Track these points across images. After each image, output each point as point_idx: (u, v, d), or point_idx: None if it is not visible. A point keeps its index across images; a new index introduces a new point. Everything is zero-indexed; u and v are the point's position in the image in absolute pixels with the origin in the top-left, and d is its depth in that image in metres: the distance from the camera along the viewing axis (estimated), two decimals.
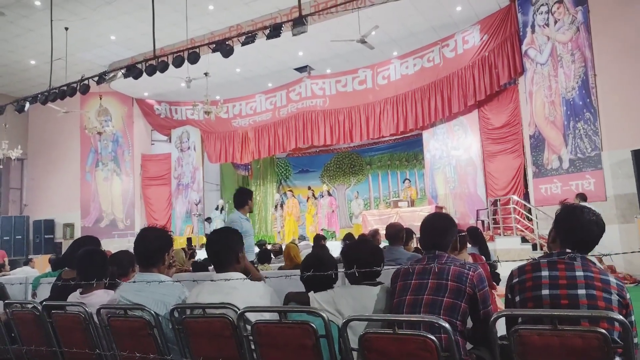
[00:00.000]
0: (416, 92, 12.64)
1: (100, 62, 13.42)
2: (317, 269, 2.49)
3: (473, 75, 11.54)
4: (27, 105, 11.07)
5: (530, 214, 10.33)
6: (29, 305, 2.97)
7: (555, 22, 9.83)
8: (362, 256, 2.54)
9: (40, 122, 15.99)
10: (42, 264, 11.92)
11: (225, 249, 2.52)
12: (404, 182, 13.90)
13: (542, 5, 10.07)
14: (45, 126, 15.91)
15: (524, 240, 10.23)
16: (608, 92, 8.97)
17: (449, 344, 1.83)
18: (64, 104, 12.14)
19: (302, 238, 12.38)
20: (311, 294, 2.49)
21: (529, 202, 10.58)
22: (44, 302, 2.95)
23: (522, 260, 2.06)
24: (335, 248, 7.74)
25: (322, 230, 13.94)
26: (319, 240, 7.99)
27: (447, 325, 1.82)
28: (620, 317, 1.62)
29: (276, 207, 15.67)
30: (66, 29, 11.30)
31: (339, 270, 2.65)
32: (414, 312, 2.18)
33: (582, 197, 9.19)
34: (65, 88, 10.21)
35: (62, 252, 11.36)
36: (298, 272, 2.73)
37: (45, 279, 4.50)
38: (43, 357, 2.93)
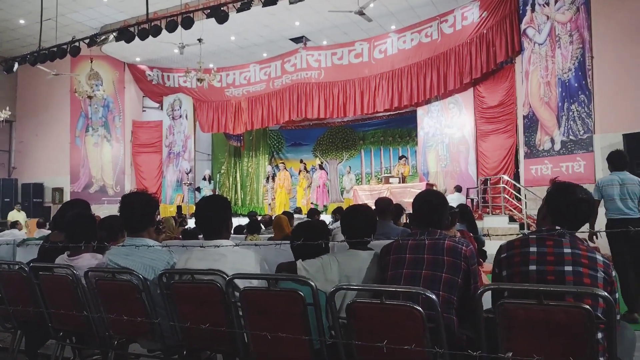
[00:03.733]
0: (412, 67, 12.53)
1: (92, 24, 13.07)
2: (309, 235, 2.47)
3: (470, 53, 11.44)
4: (16, 65, 10.85)
5: (520, 194, 10.41)
6: (16, 266, 2.95)
7: (556, 1, 9.70)
8: (356, 224, 2.56)
9: (30, 84, 15.66)
10: (30, 227, 11.88)
11: (215, 217, 2.50)
12: (400, 159, 13.79)
13: None
14: (34, 88, 15.60)
15: (512, 219, 10.35)
16: (604, 74, 8.94)
17: (436, 316, 1.84)
18: (53, 66, 11.88)
19: (298, 211, 12.36)
20: (299, 262, 2.48)
21: (519, 182, 10.64)
22: (31, 263, 2.93)
23: (511, 235, 2.07)
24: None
25: (312, 204, 13.97)
26: (314, 214, 8.07)
27: (433, 296, 1.84)
28: (605, 293, 1.64)
29: (267, 179, 15.63)
30: None
31: (329, 240, 2.64)
32: (412, 285, 2.17)
33: (458, 188, 9.29)
34: (55, 49, 10.00)
35: (51, 217, 11.31)
36: (288, 241, 2.72)
37: (33, 241, 4.48)
38: (30, 317, 2.94)
